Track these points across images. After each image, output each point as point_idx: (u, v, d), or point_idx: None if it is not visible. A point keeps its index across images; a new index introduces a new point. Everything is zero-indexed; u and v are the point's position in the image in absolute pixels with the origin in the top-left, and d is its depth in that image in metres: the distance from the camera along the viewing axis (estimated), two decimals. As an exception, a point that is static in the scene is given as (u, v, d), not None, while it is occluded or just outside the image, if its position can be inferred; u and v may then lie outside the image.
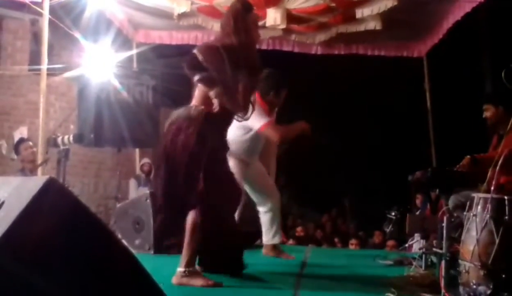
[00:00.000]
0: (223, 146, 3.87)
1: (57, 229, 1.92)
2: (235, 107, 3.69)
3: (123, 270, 2.06)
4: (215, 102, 3.54)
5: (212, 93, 3.54)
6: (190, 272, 3.61)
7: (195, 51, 3.57)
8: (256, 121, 4.57)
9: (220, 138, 3.80)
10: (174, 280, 3.60)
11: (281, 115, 5.34)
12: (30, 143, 6.49)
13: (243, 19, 3.70)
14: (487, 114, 4.76)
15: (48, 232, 1.89)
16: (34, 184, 1.95)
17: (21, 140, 6.87)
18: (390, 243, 8.09)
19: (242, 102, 3.66)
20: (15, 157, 7.13)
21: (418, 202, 8.96)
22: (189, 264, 3.63)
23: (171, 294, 2.12)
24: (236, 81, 3.58)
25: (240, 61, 3.60)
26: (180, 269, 3.62)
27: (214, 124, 3.63)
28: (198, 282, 3.57)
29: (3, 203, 2.02)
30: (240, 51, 3.64)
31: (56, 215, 1.92)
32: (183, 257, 3.65)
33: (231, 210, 3.96)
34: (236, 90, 3.59)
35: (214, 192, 3.64)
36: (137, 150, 8.97)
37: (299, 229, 10.63)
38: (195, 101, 3.70)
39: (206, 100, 3.61)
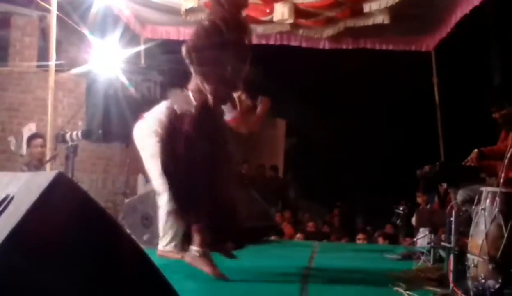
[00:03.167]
0: (220, 129, 3.91)
1: (66, 223, 1.93)
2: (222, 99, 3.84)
3: (132, 265, 2.06)
4: (209, 97, 3.64)
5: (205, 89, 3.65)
6: (202, 254, 3.61)
7: (182, 51, 3.64)
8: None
9: (216, 123, 3.84)
10: (187, 258, 3.64)
11: (284, 111, 5.27)
12: (40, 140, 6.42)
13: None
14: (496, 116, 4.54)
15: (57, 227, 1.90)
16: (43, 179, 1.96)
17: (33, 135, 6.82)
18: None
19: (230, 87, 3.83)
20: (24, 152, 7.14)
21: (419, 200, 8.88)
22: (202, 244, 3.63)
23: (178, 286, 2.14)
24: (225, 66, 3.68)
25: (230, 37, 3.66)
26: (194, 248, 3.63)
27: (209, 110, 3.70)
28: (206, 267, 3.59)
29: (12, 198, 2.03)
30: (230, 22, 3.70)
31: (65, 209, 1.93)
32: (196, 237, 3.65)
33: (230, 190, 3.90)
34: (225, 78, 3.69)
35: (211, 174, 3.64)
36: (145, 146, 8.96)
37: (310, 224, 10.62)
38: (192, 86, 3.78)
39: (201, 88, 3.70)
